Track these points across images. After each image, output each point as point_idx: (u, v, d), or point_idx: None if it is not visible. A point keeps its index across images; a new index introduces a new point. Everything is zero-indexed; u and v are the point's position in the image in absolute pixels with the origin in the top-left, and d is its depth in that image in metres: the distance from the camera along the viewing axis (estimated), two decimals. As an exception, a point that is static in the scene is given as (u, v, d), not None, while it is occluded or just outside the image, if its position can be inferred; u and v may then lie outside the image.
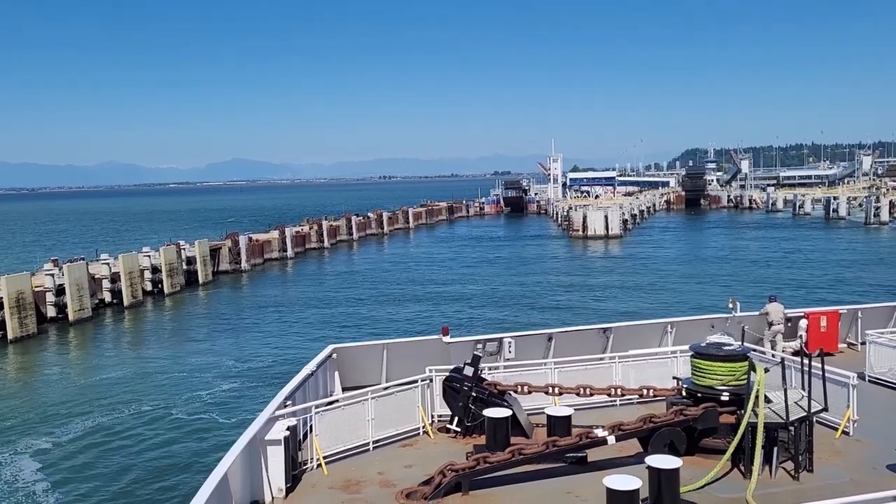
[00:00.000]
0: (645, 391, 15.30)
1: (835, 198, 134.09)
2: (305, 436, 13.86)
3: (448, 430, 15.31)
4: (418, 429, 15.32)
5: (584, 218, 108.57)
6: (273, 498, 12.14)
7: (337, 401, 15.11)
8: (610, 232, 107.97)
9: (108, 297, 63.17)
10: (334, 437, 13.94)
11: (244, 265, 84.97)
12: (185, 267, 74.70)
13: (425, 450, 14.41)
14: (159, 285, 69.26)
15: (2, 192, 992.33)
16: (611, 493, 10.23)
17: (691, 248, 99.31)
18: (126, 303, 62.84)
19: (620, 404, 16.51)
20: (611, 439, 12.95)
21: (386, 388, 15.16)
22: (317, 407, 13.99)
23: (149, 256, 69.08)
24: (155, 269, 69.27)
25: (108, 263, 63.05)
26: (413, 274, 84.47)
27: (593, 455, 13.38)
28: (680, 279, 72.22)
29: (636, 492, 10.21)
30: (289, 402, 13.80)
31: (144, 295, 67.58)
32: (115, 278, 63.15)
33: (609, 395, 15.65)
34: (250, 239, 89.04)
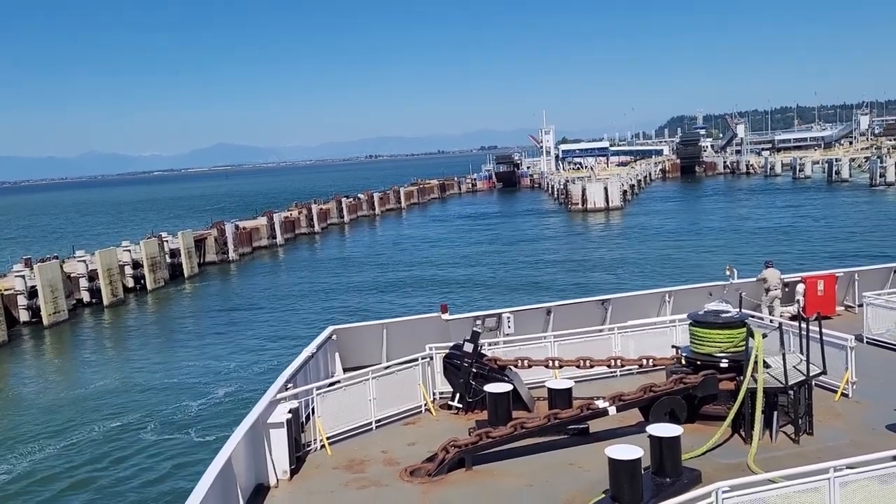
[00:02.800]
0: (644, 361, 15.41)
1: (837, 160, 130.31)
2: (308, 418, 13.83)
3: (450, 407, 15.31)
4: (420, 407, 15.31)
5: (584, 191, 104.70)
6: (277, 480, 12.06)
7: (338, 382, 15.13)
8: (610, 204, 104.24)
9: (86, 296, 58.94)
10: (337, 418, 13.90)
11: (232, 255, 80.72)
12: (168, 260, 70.42)
13: (428, 427, 14.43)
14: (142, 281, 65.05)
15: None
16: (613, 462, 10.19)
17: (695, 217, 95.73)
18: (106, 302, 58.64)
19: (620, 375, 16.62)
20: (612, 410, 12.91)
21: (387, 368, 15.16)
22: (318, 388, 13.93)
23: (129, 251, 64.79)
24: (136, 264, 65.01)
25: (84, 261, 58.73)
26: (408, 256, 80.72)
27: (595, 426, 13.37)
28: (690, 251, 68.73)
29: (638, 460, 10.13)
30: (290, 385, 13.64)
31: (126, 292, 63.39)
32: (92, 276, 58.88)
33: (609, 366, 15.76)
34: (237, 227, 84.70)
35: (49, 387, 39.60)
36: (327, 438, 13.50)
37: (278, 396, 13.00)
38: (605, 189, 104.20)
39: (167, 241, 71.20)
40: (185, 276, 71.49)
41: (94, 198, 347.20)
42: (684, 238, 78.07)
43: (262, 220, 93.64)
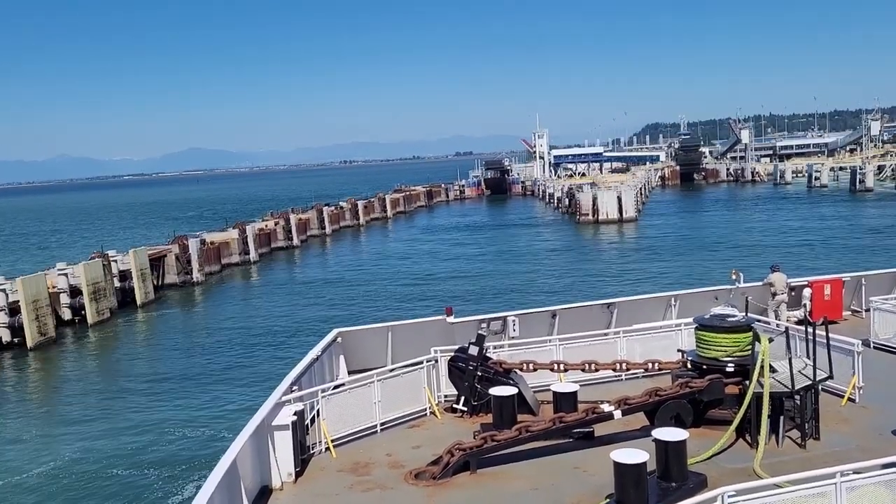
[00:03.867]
0: (650, 365, 15.33)
1: (860, 168, 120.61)
2: (313, 420, 13.75)
3: (455, 410, 15.15)
4: (425, 409, 15.16)
5: (595, 200, 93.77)
6: (282, 483, 12.04)
7: (343, 384, 14.99)
8: (624, 215, 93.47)
9: (5, 335, 46.53)
10: (342, 421, 13.84)
11: (196, 276, 68.45)
12: (117, 285, 58.07)
13: (433, 430, 14.37)
14: (81, 312, 52.69)
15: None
16: (618, 466, 10.08)
17: (722, 231, 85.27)
18: (30, 343, 46.22)
19: (626, 379, 16.41)
20: (617, 414, 12.86)
21: (392, 371, 15.14)
22: (323, 391, 13.85)
23: (66, 275, 52.38)
24: (74, 292, 52.64)
25: (3, 290, 46.28)
26: (400, 273, 70.40)
27: (600, 430, 13.24)
28: (724, 264, 58.12)
29: (643, 464, 10.01)
30: (295, 387, 13.63)
31: (61, 326, 51.10)
32: (14, 309, 46.52)
33: (614, 369, 15.59)
34: (203, 242, 72.40)
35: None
36: (332, 441, 13.40)
37: (283, 398, 12.88)
38: (619, 198, 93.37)
39: (115, 260, 58.87)
40: (138, 303, 59.14)
41: (61, 203, 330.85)
42: (718, 251, 67.81)
43: (234, 233, 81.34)
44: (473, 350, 15.19)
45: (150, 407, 35.23)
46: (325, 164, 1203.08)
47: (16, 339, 46.59)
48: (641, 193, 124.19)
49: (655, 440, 10.86)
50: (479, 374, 14.97)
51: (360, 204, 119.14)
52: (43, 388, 40.99)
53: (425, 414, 15.17)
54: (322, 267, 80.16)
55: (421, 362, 15.40)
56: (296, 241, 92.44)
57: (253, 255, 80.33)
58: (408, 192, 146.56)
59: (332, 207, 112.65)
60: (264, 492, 11.86)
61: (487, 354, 15.51)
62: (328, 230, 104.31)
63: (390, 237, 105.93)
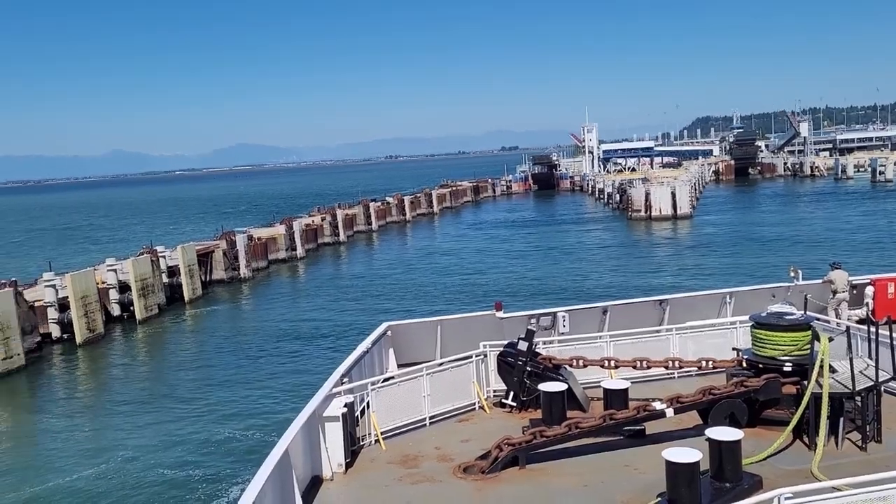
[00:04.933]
0: (704, 363, 15.08)
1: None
2: (363, 412, 13.94)
3: (503, 405, 15.13)
4: (474, 404, 15.21)
5: (647, 196, 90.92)
6: (333, 473, 12.17)
7: (392, 377, 15.10)
8: (678, 211, 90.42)
9: (55, 331, 46.51)
10: (391, 413, 13.93)
11: (243, 271, 68.11)
12: (165, 280, 57.91)
13: (482, 424, 14.42)
14: (130, 308, 52.56)
15: (8, 186, 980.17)
16: (670, 465, 9.89)
17: (780, 227, 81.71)
18: (79, 339, 46.08)
19: (678, 377, 16.21)
20: (669, 412, 12.69)
21: (441, 365, 15.08)
22: (373, 384, 14.00)
23: (115, 271, 52.30)
24: (123, 288, 52.54)
25: (53, 286, 46.23)
26: (446, 270, 69.05)
27: (651, 428, 13.02)
28: (782, 261, 55.26)
29: (696, 464, 9.82)
30: (345, 380, 13.81)
31: (110, 322, 51.02)
32: (64, 305, 46.47)
33: (667, 367, 15.39)
34: (250, 238, 72.02)
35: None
36: (381, 433, 13.46)
37: (334, 390, 12.98)
38: (673, 194, 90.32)
39: (164, 256, 58.70)
40: (186, 299, 58.92)
41: (113, 198, 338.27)
42: (776, 248, 64.69)
43: (280, 229, 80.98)
44: (523, 345, 15.09)
45: (199, 402, 34.83)
46: (371, 159, 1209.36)
47: (65, 335, 46.53)
48: (695, 189, 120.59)
49: (709, 439, 10.58)
50: (529, 369, 14.90)
51: (407, 199, 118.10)
52: (91, 384, 40.69)
53: (474, 408, 15.20)
54: (368, 262, 79.30)
55: (470, 357, 15.44)
56: (342, 237, 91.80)
57: (300, 251, 79.82)
58: (454, 188, 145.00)
59: (379, 203, 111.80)
60: (315, 482, 12.00)
61: (537, 350, 15.45)
62: (374, 226, 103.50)
63: (437, 233, 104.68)
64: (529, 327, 15.70)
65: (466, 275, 65.63)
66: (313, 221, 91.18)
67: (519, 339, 15.32)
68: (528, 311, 19.26)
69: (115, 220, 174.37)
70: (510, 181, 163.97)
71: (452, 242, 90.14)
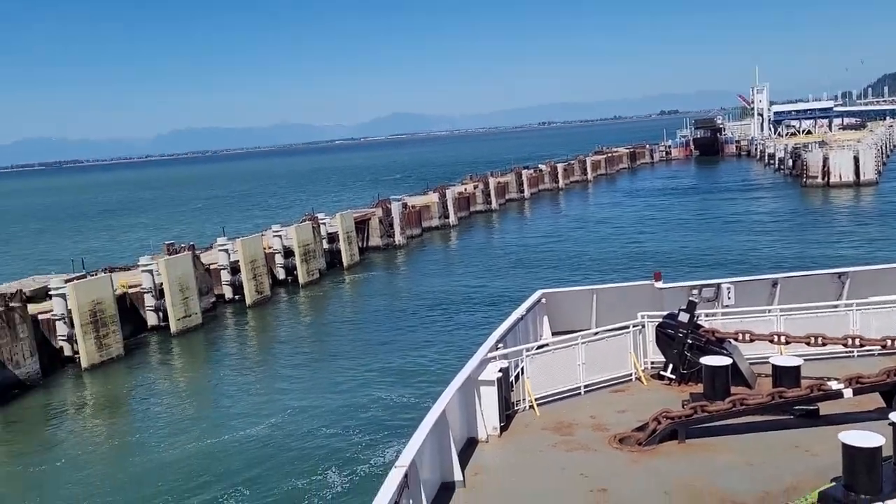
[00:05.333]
0: (889, 342, 14.05)
1: None
2: (517, 378, 14.03)
3: (661, 378, 14.64)
4: (630, 375, 14.87)
5: (825, 161, 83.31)
6: (488, 436, 12.36)
7: (547, 345, 15.12)
8: (862, 177, 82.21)
9: (227, 292, 49.73)
10: (545, 380, 13.92)
11: (398, 238, 69.64)
12: (325, 247, 60.28)
13: (638, 396, 14.02)
14: (294, 272, 55.21)
15: (189, 156, 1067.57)
16: (848, 449, 9.14)
17: None
18: (249, 300, 49.02)
19: (858, 356, 15.05)
20: (847, 392, 11.82)
21: (596, 334, 14.89)
22: (528, 350, 14.13)
23: (280, 237, 55.05)
24: (288, 253, 55.23)
25: (226, 250, 49.34)
26: (601, 239, 67.22)
27: (825, 409, 12.23)
28: None
29: (878, 449, 9.03)
30: (500, 345, 13.93)
31: (276, 286, 53.89)
32: (235, 268, 49.51)
33: (845, 345, 14.29)
34: (405, 206, 73.45)
35: (176, 415, 29.66)
36: (535, 399, 13.53)
37: (489, 355, 13.14)
38: (856, 158, 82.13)
39: (324, 223, 61.04)
40: (344, 265, 61.08)
41: (280, 167, 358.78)
42: None
43: (434, 197, 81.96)
44: (684, 317, 14.56)
45: (357, 363, 36.18)
46: (523, 126, 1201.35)
47: (236, 297, 49.65)
48: (882, 152, 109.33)
49: (893, 424, 9.79)
50: (690, 341, 14.34)
51: (560, 167, 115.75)
52: (260, 342, 43.15)
53: (630, 379, 14.88)
54: (520, 231, 78.60)
55: (627, 327, 15.06)
56: (494, 205, 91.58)
57: (452, 219, 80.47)
58: (609, 154, 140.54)
59: (531, 171, 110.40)
60: (471, 442, 12.19)
61: (699, 322, 14.84)
62: (527, 193, 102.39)
63: (590, 201, 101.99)
64: (691, 299, 15.12)
65: (622, 244, 63.33)
66: (466, 190, 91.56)
67: (680, 310, 14.80)
68: (690, 282, 18.45)
69: (281, 188, 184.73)
70: (669, 146, 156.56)
71: (607, 211, 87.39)
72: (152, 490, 24.24)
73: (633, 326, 15.20)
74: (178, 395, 34.53)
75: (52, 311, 37.96)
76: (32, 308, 37.85)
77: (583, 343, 14.35)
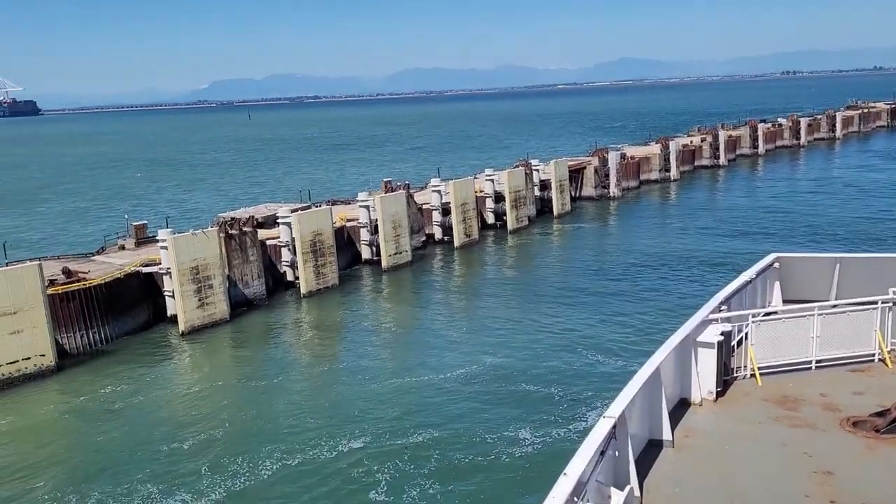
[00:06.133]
0: None
1: None
2: (739, 343, 13.29)
3: None
4: (873, 355, 13.39)
5: None
6: (702, 399, 11.89)
7: (776, 312, 14.44)
8: None
9: (437, 233, 50.58)
10: (771, 350, 13.06)
11: (613, 190, 66.77)
12: (536, 194, 59.22)
13: (881, 378, 12.73)
14: (503, 217, 54.89)
15: (415, 95, 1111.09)
16: None
17: None
18: (457, 242, 49.53)
19: None
20: None
21: (835, 307, 13.57)
22: (754, 316, 13.21)
23: (492, 181, 54.81)
24: (498, 198, 54.93)
25: (438, 191, 50.00)
26: (846, 205, 59.95)
27: None
28: None
29: None
30: (723, 307, 13.27)
31: (484, 230, 53.97)
32: (446, 210, 50.11)
33: None
34: (623, 156, 70.00)
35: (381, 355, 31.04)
36: (758, 368, 12.74)
37: (711, 317, 12.56)
38: None
39: (537, 169, 59.84)
40: (555, 213, 59.75)
41: (500, 109, 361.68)
42: None
43: (655, 149, 77.38)
44: None
45: (561, 314, 35.63)
46: (765, 74, 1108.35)
47: (445, 237, 50.38)
48: None
49: None
50: None
51: (804, 122, 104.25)
52: (465, 284, 43.35)
53: (872, 360, 13.43)
54: (750, 189, 72.07)
55: (875, 302, 13.48)
56: (722, 161, 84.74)
57: (673, 173, 75.68)
58: (864, 110, 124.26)
59: (769, 125, 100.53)
60: (683, 403, 11.86)
61: None
62: (761, 150, 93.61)
63: (836, 161, 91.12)
64: None
65: (872, 213, 55.83)
66: (691, 142, 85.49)
67: None
68: None
69: (500, 130, 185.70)
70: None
71: (856, 173, 77.46)
72: (352, 414, 25.33)
73: (883, 303, 13.57)
74: (385, 329, 35.80)
75: (279, 237, 40.75)
76: (262, 234, 40.90)
77: (819, 314, 13.18)
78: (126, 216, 49.41)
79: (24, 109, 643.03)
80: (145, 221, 44.64)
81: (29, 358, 28.86)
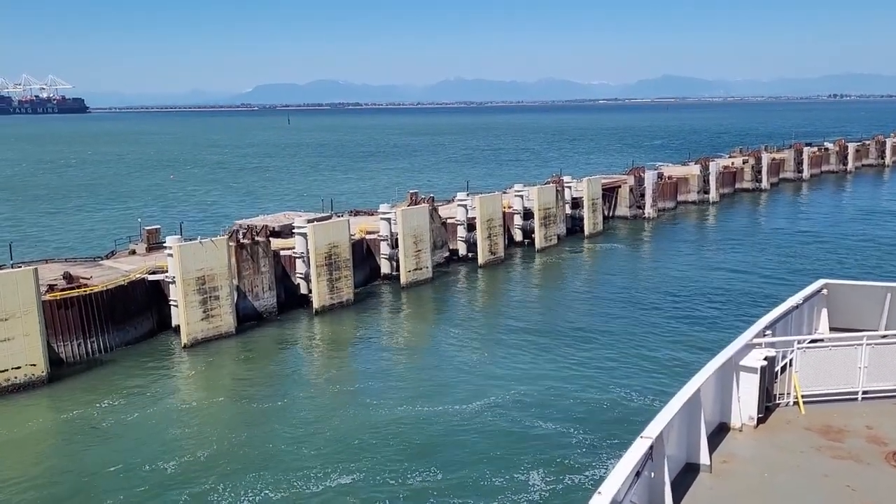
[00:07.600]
0: None
1: None
2: (783, 369, 13.08)
3: None
4: None
5: None
6: (742, 424, 11.63)
7: (823, 339, 13.79)
8: None
9: (461, 248, 48.61)
10: (816, 378, 12.65)
11: (648, 210, 64.22)
12: (568, 212, 56.96)
13: None
14: (531, 235, 52.74)
15: (455, 105, 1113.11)
16: None
17: None
18: (481, 259, 47.51)
19: None
20: None
21: (885, 336, 13.36)
22: (800, 342, 12.83)
23: (521, 197, 52.73)
24: (527, 214, 52.81)
25: (465, 205, 48.08)
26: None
27: None
28: None
29: None
30: (768, 332, 12.96)
31: (510, 247, 51.86)
32: (472, 225, 48.16)
33: None
34: (660, 176, 67.44)
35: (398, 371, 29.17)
36: (802, 396, 12.40)
37: (755, 341, 12.26)
38: None
39: (569, 186, 57.59)
40: (586, 232, 57.38)
41: (541, 122, 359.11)
42: None
43: (694, 169, 74.60)
44: None
45: (594, 336, 34.25)
46: (811, 97, 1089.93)
47: (470, 254, 48.40)
48: None
49: None
50: None
51: (851, 147, 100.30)
52: (487, 305, 41.36)
53: None
54: (793, 214, 68.95)
55: None
56: (765, 184, 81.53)
57: (713, 195, 72.79)
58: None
59: (815, 148, 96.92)
60: (723, 428, 11.56)
61: None
62: (806, 174, 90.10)
63: (885, 189, 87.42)
64: None
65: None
66: (733, 164, 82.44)
67: None
68: None
69: (539, 144, 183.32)
70: None
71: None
72: (351, 444, 23.56)
73: None
74: (397, 351, 33.93)
75: (293, 248, 39.19)
76: (278, 243, 39.35)
77: (869, 344, 12.72)
78: (139, 220, 48.39)
79: (73, 107, 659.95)
80: (158, 226, 43.50)
81: (19, 367, 27.55)
